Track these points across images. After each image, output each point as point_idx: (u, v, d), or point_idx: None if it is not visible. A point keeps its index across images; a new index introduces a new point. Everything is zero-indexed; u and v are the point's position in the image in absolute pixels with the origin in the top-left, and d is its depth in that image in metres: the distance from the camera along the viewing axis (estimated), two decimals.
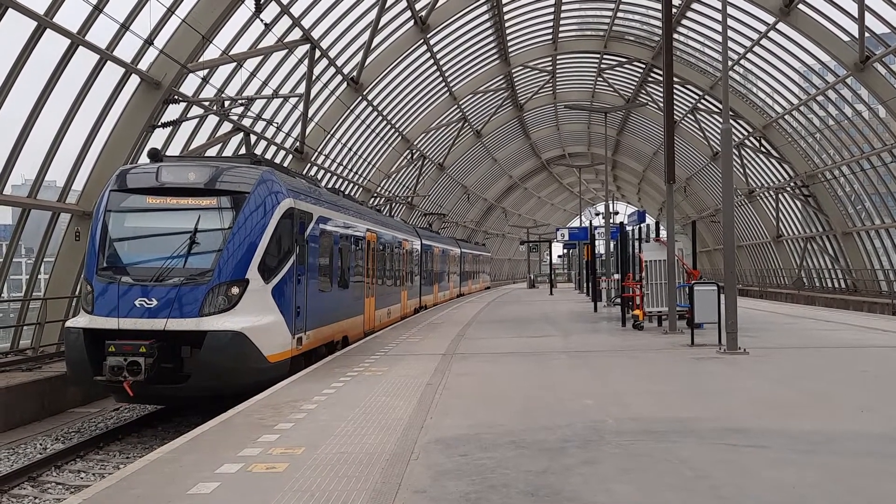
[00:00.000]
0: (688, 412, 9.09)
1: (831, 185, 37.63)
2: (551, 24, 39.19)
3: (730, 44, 21.03)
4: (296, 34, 24.42)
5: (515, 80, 45.47)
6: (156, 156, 13.88)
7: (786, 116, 37.82)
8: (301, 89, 26.22)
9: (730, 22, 25.40)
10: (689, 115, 45.63)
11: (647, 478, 6.48)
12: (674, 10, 29.89)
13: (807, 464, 6.83)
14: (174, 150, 21.66)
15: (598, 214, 44.45)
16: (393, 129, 38.76)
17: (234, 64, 22.37)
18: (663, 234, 19.97)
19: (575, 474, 6.57)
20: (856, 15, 26.51)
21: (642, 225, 23.48)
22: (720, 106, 30.62)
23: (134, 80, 18.87)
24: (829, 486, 6.25)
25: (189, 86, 21.19)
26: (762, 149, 41.43)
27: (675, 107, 21.61)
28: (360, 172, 38.75)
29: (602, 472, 6.62)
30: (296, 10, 23.70)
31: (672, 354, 14.49)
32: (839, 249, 38.44)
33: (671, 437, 7.81)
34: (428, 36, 32.16)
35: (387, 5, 27.37)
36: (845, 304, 33.82)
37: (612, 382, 11.60)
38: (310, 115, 27.99)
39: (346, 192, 29.68)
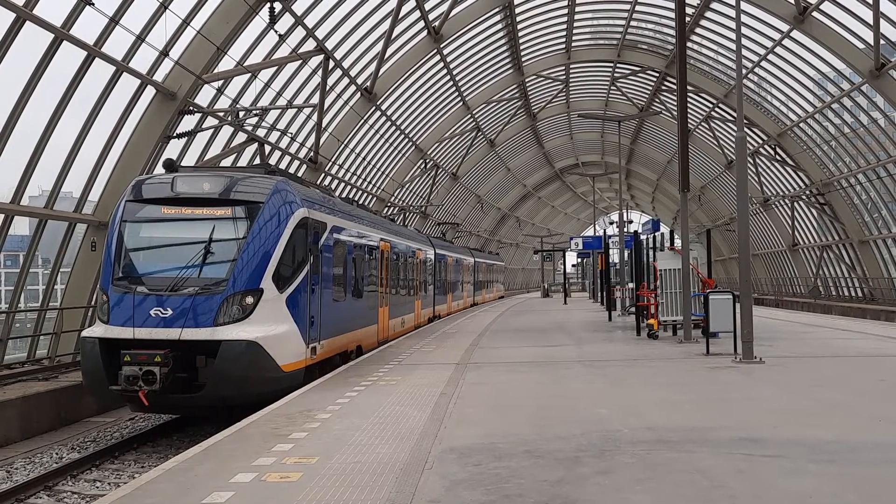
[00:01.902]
0: (704, 422, 9.03)
1: (847, 193, 37.39)
2: (564, 33, 39.22)
3: (744, 52, 21.04)
4: (310, 45, 24.54)
5: (529, 89, 45.50)
6: (171, 166, 13.96)
7: (801, 124, 37.64)
8: (315, 100, 26.33)
9: (743, 30, 25.34)
10: (703, 124, 45.49)
11: (663, 488, 6.44)
12: (687, 19, 29.82)
13: (825, 474, 6.76)
14: (189, 160, 21.80)
15: (612, 223, 44.28)
16: (406, 139, 38.84)
17: (249, 75, 22.49)
18: (678, 242, 19.89)
19: (590, 484, 6.54)
20: (870, 22, 26.39)
21: (657, 234, 23.39)
22: (734, 114, 30.54)
23: (149, 92, 19.01)
24: (847, 496, 6.19)
25: (204, 97, 21.35)
26: (777, 157, 41.23)
27: (689, 115, 21.56)
28: (373, 182, 38.84)
29: (617, 482, 6.58)
30: (310, 21, 23.83)
31: (687, 364, 14.41)
32: (856, 258, 38.15)
33: (687, 446, 7.76)
34: (441, 46, 32.24)
35: (400, 16, 27.47)
36: (862, 312, 33.54)
37: (627, 392, 11.54)
38: (324, 126, 28.10)
39: (360, 202, 29.75)
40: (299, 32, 23.69)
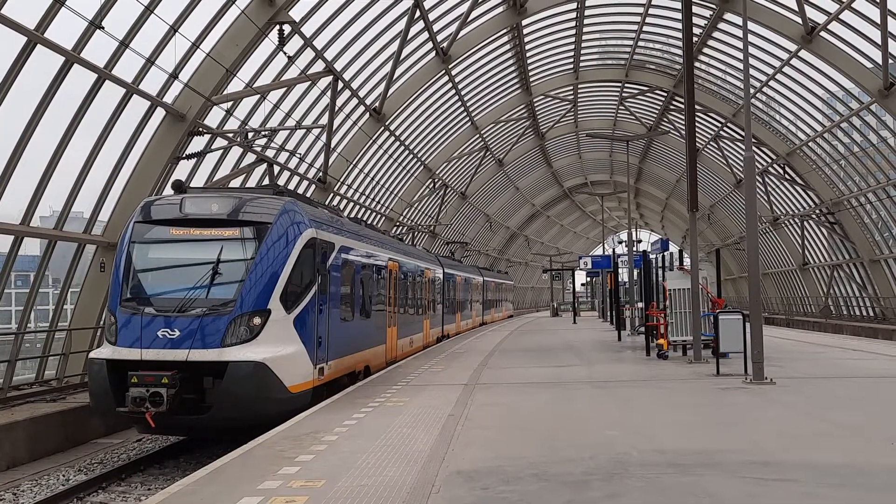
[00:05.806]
0: (714, 444, 8.94)
1: (857, 212, 37.23)
2: (572, 53, 39.34)
3: (752, 71, 20.97)
4: (319, 66, 24.66)
5: (537, 109, 45.60)
6: (180, 187, 14.01)
7: (810, 143, 37.57)
8: (324, 120, 26.42)
9: (751, 50, 25.37)
10: (711, 143, 45.47)
11: None
12: (695, 39, 29.88)
13: (837, 498, 6.67)
14: (198, 181, 21.87)
15: (621, 242, 44.21)
16: (415, 159, 38.94)
17: (258, 96, 22.61)
18: (687, 262, 19.81)
19: None
20: (879, 41, 26.37)
21: (666, 253, 23.32)
22: (743, 133, 30.49)
23: (159, 113, 19.12)
24: None
25: (213, 118, 21.45)
26: (786, 176, 41.14)
27: (697, 134, 21.50)
28: (382, 202, 38.91)
29: None
30: (319, 43, 23.97)
31: (697, 384, 14.31)
32: (866, 277, 37.93)
33: (697, 469, 7.68)
34: (449, 67, 32.35)
35: (408, 37, 27.61)
36: (873, 332, 33.26)
37: (637, 413, 11.45)
38: (332, 146, 28.18)
39: (369, 222, 29.78)
40: (308, 54, 23.82)
